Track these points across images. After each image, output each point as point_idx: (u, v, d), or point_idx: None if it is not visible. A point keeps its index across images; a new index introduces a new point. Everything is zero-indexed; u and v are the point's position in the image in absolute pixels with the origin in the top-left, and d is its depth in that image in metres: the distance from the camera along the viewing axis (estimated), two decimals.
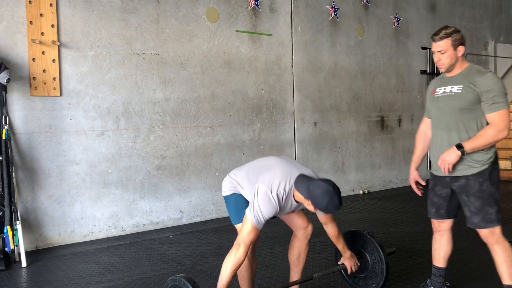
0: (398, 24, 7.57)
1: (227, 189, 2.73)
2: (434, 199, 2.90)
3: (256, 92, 5.96)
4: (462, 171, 2.69)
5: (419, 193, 3.02)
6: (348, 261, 2.91)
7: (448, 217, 2.87)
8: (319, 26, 6.60)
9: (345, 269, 3.00)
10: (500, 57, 9.36)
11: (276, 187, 2.43)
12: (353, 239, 3.08)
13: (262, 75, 6.02)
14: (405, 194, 6.94)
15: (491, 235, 2.66)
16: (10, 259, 4.03)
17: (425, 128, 3.05)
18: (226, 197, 2.75)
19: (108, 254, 4.26)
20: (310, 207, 2.45)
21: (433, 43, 2.75)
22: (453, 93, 2.72)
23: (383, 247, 2.95)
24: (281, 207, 2.51)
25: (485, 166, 2.66)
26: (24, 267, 3.92)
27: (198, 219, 5.49)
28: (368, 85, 7.21)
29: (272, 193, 2.41)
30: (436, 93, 2.84)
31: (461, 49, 2.71)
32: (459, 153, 2.61)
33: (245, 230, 2.38)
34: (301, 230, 2.77)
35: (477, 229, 2.70)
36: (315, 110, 6.55)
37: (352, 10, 6.98)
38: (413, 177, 3.05)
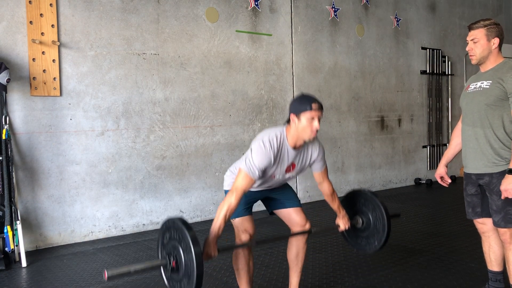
0: (398, 24, 7.57)
1: (228, 183, 2.73)
2: (468, 198, 2.83)
3: (256, 92, 5.96)
4: (487, 168, 2.63)
5: (445, 184, 2.98)
6: (342, 220, 2.90)
7: (487, 215, 2.75)
8: (319, 26, 6.60)
9: (344, 229, 2.94)
10: (501, 54, 9.35)
11: (267, 136, 2.50)
12: (355, 198, 3.04)
13: (262, 75, 6.02)
14: (405, 194, 6.94)
15: (509, 235, 2.61)
16: (10, 259, 4.03)
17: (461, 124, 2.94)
18: (227, 192, 2.74)
19: (108, 254, 4.26)
20: (304, 128, 2.48)
21: (468, 33, 2.70)
22: (481, 89, 2.66)
23: (384, 204, 2.92)
24: (277, 156, 2.50)
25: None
26: (24, 267, 3.92)
27: (198, 219, 5.49)
28: (368, 85, 7.21)
29: (265, 142, 2.47)
30: (469, 89, 2.78)
31: (495, 42, 2.64)
32: None
33: (238, 179, 2.44)
34: (298, 228, 2.77)
35: (496, 227, 2.66)
36: None
37: (352, 10, 6.99)
38: (439, 172, 2.99)
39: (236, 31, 5.78)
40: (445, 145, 8.32)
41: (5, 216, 4.00)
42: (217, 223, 2.35)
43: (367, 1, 7.16)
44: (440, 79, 8.22)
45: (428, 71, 8.02)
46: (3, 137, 4.11)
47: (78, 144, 4.70)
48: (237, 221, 2.65)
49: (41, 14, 4.44)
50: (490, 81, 2.63)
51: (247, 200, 2.65)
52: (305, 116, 2.45)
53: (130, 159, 5.01)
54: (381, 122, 7.40)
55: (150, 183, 5.13)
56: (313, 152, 2.67)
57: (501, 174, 2.58)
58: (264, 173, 2.52)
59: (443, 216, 5.44)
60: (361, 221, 2.97)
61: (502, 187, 2.52)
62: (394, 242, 4.33)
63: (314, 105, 2.45)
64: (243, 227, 2.65)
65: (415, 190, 7.32)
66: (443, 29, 8.31)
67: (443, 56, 8.26)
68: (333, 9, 6.76)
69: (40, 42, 4.42)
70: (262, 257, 3.92)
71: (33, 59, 4.42)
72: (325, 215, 5.51)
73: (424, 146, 8.05)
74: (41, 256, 4.24)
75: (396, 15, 7.54)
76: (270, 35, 6.09)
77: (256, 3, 5.96)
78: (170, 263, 2.24)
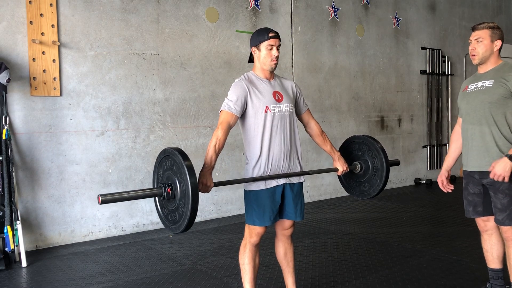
0: (398, 24, 7.57)
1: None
2: (469, 197, 2.85)
3: None
4: (491, 166, 2.64)
5: (445, 190, 3.00)
6: (338, 162, 2.90)
7: (489, 214, 2.78)
8: (319, 26, 6.60)
9: (342, 172, 2.92)
10: (500, 57, 9.36)
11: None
12: (349, 148, 3.05)
13: None
14: (405, 194, 6.95)
15: None
16: (10, 259, 4.03)
17: (459, 128, 2.96)
18: (245, 191, 2.78)
19: (108, 254, 4.26)
20: (265, 56, 2.62)
21: (472, 33, 2.77)
22: (484, 88, 2.72)
23: (377, 141, 2.93)
24: (250, 86, 2.61)
25: None
26: (24, 267, 3.92)
27: (198, 219, 5.49)
28: (368, 85, 7.21)
29: (235, 80, 2.67)
30: (467, 89, 2.83)
31: (498, 44, 2.72)
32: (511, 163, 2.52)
33: (219, 118, 2.62)
34: (282, 230, 2.79)
35: (499, 225, 2.69)
36: (315, 110, 6.54)
37: (352, 10, 6.99)
38: (441, 177, 3.00)
39: (236, 31, 5.78)
40: (445, 145, 8.32)
41: (5, 216, 4.00)
42: (209, 155, 2.50)
43: (367, 1, 7.16)
44: (440, 79, 8.22)
45: (428, 71, 8.02)
46: (3, 137, 4.11)
47: (78, 144, 4.70)
48: (259, 228, 2.65)
49: (41, 14, 4.44)
50: (493, 81, 2.69)
51: (272, 208, 2.64)
52: (264, 46, 2.61)
53: (130, 159, 5.01)
54: (381, 122, 7.40)
55: (150, 183, 5.13)
56: (292, 85, 2.81)
57: None
58: (254, 107, 2.60)
59: (443, 216, 5.44)
60: (359, 166, 2.98)
61: (495, 169, 2.54)
62: (394, 242, 4.33)
63: (270, 34, 2.61)
64: (256, 231, 2.66)
65: (415, 190, 7.32)
66: (443, 29, 8.32)
67: (443, 56, 8.26)
68: (333, 9, 6.76)
69: (40, 42, 4.42)
70: (262, 257, 3.92)
71: (33, 59, 4.42)
72: (325, 215, 5.51)
73: (424, 146, 8.05)
74: (41, 256, 4.25)
75: (396, 15, 7.54)
76: None
77: (256, 3, 5.96)
78: (165, 190, 2.38)
